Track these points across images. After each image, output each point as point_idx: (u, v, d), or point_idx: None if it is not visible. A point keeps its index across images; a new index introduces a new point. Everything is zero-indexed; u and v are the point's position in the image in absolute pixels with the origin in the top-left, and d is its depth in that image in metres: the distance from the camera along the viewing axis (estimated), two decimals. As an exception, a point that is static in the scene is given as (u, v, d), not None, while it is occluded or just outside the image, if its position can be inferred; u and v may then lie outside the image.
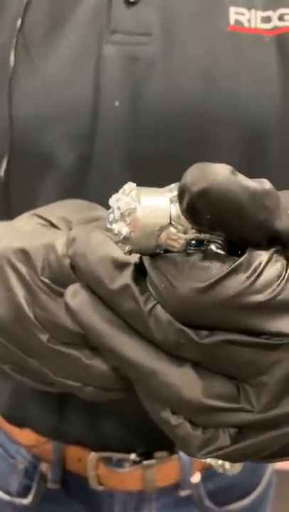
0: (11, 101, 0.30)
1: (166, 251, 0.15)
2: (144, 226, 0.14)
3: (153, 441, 0.37)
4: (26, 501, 0.41)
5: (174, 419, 0.16)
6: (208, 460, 0.22)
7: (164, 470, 0.38)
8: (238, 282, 0.14)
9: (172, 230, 0.14)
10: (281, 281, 0.14)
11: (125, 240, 0.15)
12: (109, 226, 0.15)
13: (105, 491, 0.39)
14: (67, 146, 0.31)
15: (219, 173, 0.13)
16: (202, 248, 0.14)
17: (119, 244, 0.15)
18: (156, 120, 0.30)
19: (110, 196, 0.17)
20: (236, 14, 0.30)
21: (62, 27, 0.30)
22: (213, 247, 0.14)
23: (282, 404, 0.15)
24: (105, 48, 0.30)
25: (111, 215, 0.15)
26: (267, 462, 0.16)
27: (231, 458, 0.16)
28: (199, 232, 0.15)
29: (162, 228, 0.14)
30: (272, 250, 0.14)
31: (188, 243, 0.15)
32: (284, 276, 0.14)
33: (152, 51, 0.30)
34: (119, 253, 0.16)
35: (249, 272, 0.14)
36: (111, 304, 0.16)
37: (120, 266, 0.16)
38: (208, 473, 0.40)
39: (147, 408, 0.17)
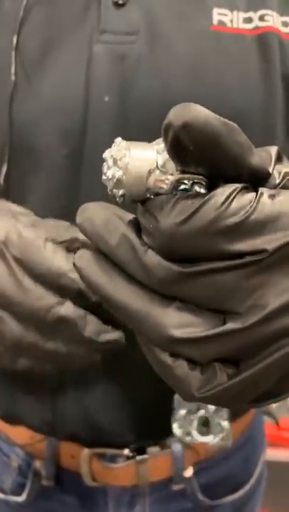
0: (11, 110, 0.32)
1: (156, 195, 0.17)
2: (134, 168, 0.16)
3: (146, 437, 0.37)
4: (21, 499, 0.41)
5: (171, 361, 0.16)
6: (204, 439, 0.22)
7: (156, 465, 0.39)
8: (213, 209, 0.15)
9: (159, 173, 0.16)
10: (252, 204, 0.15)
11: (118, 182, 0.17)
12: (103, 177, 0.17)
13: (99, 486, 0.39)
14: (60, 141, 0.32)
15: (199, 110, 0.15)
16: (186, 188, 0.16)
17: (114, 190, 0.17)
18: (144, 114, 0.31)
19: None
20: (219, 15, 0.32)
21: (56, 32, 0.32)
22: (196, 187, 0.16)
23: (273, 322, 0.15)
24: (95, 47, 0.31)
25: (105, 165, 0.17)
26: (261, 405, 0.16)
27: (229, 397, 0.16)
28: (183, 172, 0.16)
29: (150, 172, 0.16)
30: (243, 184, 0.16)
31: (174, 186, 0.16)
32: (255, 201, 0.15)
33: (139, 49, 0.31)
34: (121, 214, 0.18)
35: (223, 199, 0.15)
36: (112, 257, 0.17)
37: (120, 222, 0.17)
38: (201, 467, 0.40)
39: (147, 356, 0.18)
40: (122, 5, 0.32)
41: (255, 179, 0.16)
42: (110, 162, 0.17)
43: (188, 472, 0.40)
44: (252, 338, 0.16)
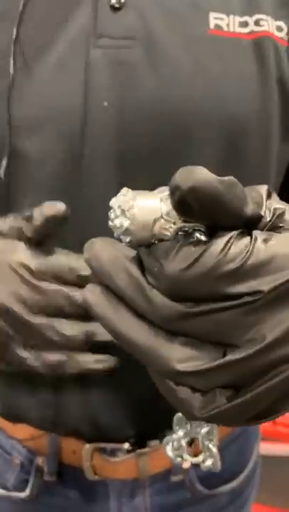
0: (10, 104, 0.31)
1: (160, 240, 0.18)
2: (141, 217, 0.18)
3: (146, 431, 0.39)
4: (24, 495, 0.42)
5: (174, 384, 0.18)
6: (194, 460, 0.23)
7: (156, 457, 0.40)
8: (213, 256, 0.17)
9: (163, 221, 0.18)
10: (248, 249, 0.17)
11: (126, 231, 0.18)
12: (111, 223, 0.18)
13: (100, 480, 0.40)
14: (59, 145, 0.32)
15: (203, 173, 0.16)
16: (188, 234, 0.18)
17: (121, 236, 0.18)
18: (143, 120, 0.31)
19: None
20: (216, 19, 0.32)
21: (53, 35, 0.32)
22: (197, 234, 0.18)
23: (269, 353, 0.17)
24: (93, 52, 0.31)
25: (112, 213, 0.19)
26: (259, 423, 0.18)
27: (228, 417, 0.18)
28: (186, 222, 0.18)
29: (155, 220, 0.18)
30: (239, 230, 0.17)
31: (177, 233, 0.18)
32: (250, 246, 0.17)
33: (136, 54, 0.31)
34: (125, 251, 0.19)
35: (222, 246, 0.17)
36: (119, 294, 0.18)
37: (126, 260, 0.19)
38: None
39: (156, 382, 0.19)
40: (119, 9, 0.31)
41: (250, 223, 0.18)
42: (118, 212, 0.18)
43: (187, 464, 0.41)
44: (249, 368, 0.17)
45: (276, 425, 0.98)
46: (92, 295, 0.19)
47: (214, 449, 0.23)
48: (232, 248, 0.17)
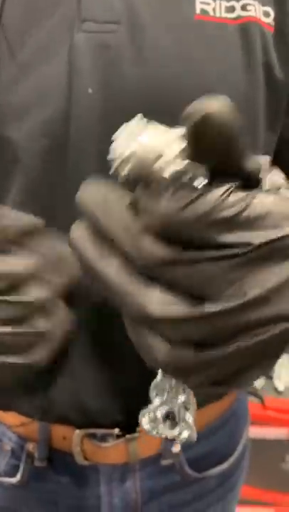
0: None
1: (157, 180, 0.18)
2: (144, 147, 0.18)
3: (135, 416, 0.39)
4: (15, 480, 0.43)
5: (146, 330, 0.18)
6: (170, 433, 0.23)
7: (146, 442, 0.40)
8: (211, 201, 0.17)
9: (166, 159, 0.18)
10: (245, 201, 0.17)
11: (127, 158, 0.18)
12: (111, 154, 0.18)
13: (91, 465, 0.41)
14: (45, 131, 0.32)
15: (221, 103, 0.16)
16: (187, 180, 0.18)
17: (121, 164, 0.18)
18: (126, 103, 0.31)
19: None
20: (202, 3, 0.31)
21: (36, 18, 0.31)
22: (196, 181, 0.18)
23: (247, 312, 0.17)
24: (77, 36, 0.31)
25: (116, 142, 0.19)
26: (224, 389, 0.18)
27: (192, 371, 0.18)
28: (188, 167, 0.18)
29: (158, 156, 0.18)
30: (237, 183, 0.17)
31: (177, 174, 0.18)
32: (247, 198, 0.17)
33: (121, 38, 0.31)
34: (118, 193, 0.19)
35: (221, 193, 0.17)
36: (107, 233, 0.18)
37: (119, 201, 0.19)
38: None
39: (127, 326, 0.19)
40: None
41: (248, 182, 0.18)
42: (123, 139, 0.18)
43: (176, 448, 0.42)
44: (224, 325, 0.17)
45: (266, 409, 1.00)
46: (77, 234, 0.19)
47: (190, 420, 0.23)
48: (230, 197, 0.17)
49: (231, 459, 0.46)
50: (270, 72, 0.33)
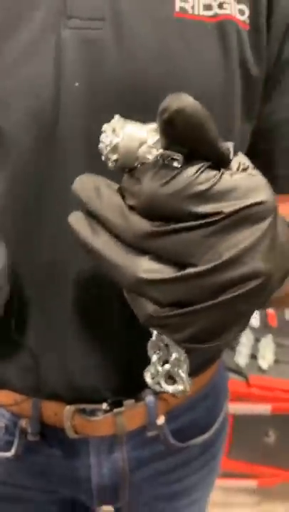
0: None
1: (142, 165, 0.21)
2: (129, 137, 0.21)
3: (122, 391, 0.41)
4: (9, 454, 0.45)
5: (138, 296, 0.21)
6: (171, 388, 0.26)
7: (132, 415, 0.43)
8: (186, 177, 0.20)
9: (147, 147, 0.21)
10: (216, 177, 0.20)
11: (115, 148, 0.21)
12: (101, 145, 0.22)
13: (81, 438, 0.43)
14: (33, 122, 0.33)
15: (190, 100, 0.19)
16: (166, 163, 0.21)
17: (109, 154, 0.21)
18: (112, 99, 0.32)
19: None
20: (181, 2, 0.32)
21: (24, 15, 0.32)
22: (174, 163, 0.20)
23: (222, 273, 0.20)
24: (63, 32, 0.32)
25: (103, 134, 0.22)
26: (204, 343, 0.22)
27: (174, 325, 0.21)
28: (166, 150, 0.20)
29: (140, 144, 0.21)
30: (210, 162, 0.20)
31: (157, 158, 0.21)
32: (218, 175, 0.20)
33: (105, 34, 0.32)
34: (108, 182, 0.22)
35: (194, 171, 0.20)
36: (99, 216, 0.22)
37: (108, 187, 0.22)
38: (171, 415, 0.45)
39: (126, 294, 0.23)
40: None
41: (219, 162, 0.21)
42: (109, 131, 0.22)
43: (161, 420, 0.45)
44: (204, 284, 0.20)
45: (250, 387, 1.04)
46: (74, 218, 0.22)
47: (184, 375, 0.26)
48: (203, 174, 0.20)
49: (212, 430, 0.49)
50: (245, 68, 0.34)
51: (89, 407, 0.42)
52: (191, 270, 0.20)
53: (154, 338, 0.26)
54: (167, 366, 0.26)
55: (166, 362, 0.27)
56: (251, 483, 1.17)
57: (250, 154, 0.36)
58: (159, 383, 0.27)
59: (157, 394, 0.43)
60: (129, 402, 0.42)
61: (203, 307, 0.20)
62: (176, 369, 0.26)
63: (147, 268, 0.20)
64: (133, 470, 0.46)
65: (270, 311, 1.22)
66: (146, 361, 0.27)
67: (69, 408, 0.42)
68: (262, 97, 0.36)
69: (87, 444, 0.44)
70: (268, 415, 1.05)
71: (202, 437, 0.48)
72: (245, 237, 0.20)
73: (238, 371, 1.05)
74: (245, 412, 1.05)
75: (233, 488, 1.21)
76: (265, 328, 1.17)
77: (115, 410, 0.42)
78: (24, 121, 0.33)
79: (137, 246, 0.21)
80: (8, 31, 0.32)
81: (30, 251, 0.36)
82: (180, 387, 0.26)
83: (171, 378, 0.27)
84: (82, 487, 0.46)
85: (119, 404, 0.42)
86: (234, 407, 1.03)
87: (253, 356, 1.09)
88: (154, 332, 0.26)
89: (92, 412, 0.42)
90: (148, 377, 0.27)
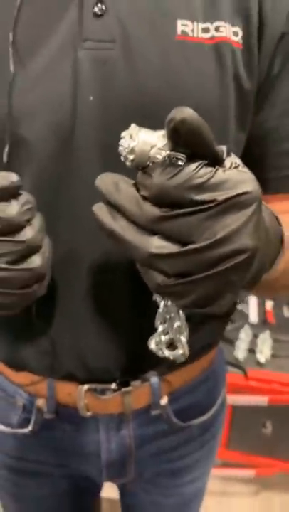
0: (10, 98, 0.36)
1: (153, 164, 0.27)
2: (143, 142, 0.26)
3: (129, 373, 0.46)
4: (27, 430, 0.49)
5: (149, 268, 0.27)
6: (172, 353, 0.31)
7: (138, 395, 0.47)
8: (188, 172, 0.25)
9: (158, 149, 0.26)
10: (212, 172, 0.25)
11: (132, 150, 0.27)
12: (120, 148, 0.27)
13: (92, 415, 0.47)
14: (52, 134, 0.37)
15: (190, 111, 0.24)
16: (172, 162, 0.26)
17: (127, 155, 0.27)
18: (122, 111, 0.36)
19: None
20: (182, 26, 0.36)
21: (44, 37, 0.36)
22: (179, 161, 0.25)
23: (217, 248, 0.25)
24: (79, 53, 0.36)
25: (122, 140, 0.27)
26: (203, 307, 0.27)
27: (179, 292, 0.26)
28: (172, 151, 0.26)
29: (152, 147, 0.26)
30: (206, 161, 0.25)
31: (165, 158, 0.26)
32: (214, 171, 0.25)
33: (116, 55, 0.36)
34: (125, 179, 0.28)
35: (194, 167, 0.25)
36: (118, 206, 0.27)
37: (125, 182, 0.28)
38: (174, 396, 0.49)
39: (140, 270, 0.28)
40: (101, 15, 0.36)
41: (215, 160, 0.26)
42: (127, 137, 0.27)
43: (164, 400, 0.48)
44: (203, 258, 0.25)
45: (248, 380, 1.08)
46: (97, 208, 0.28)
47: (184, 339, 0.31)
48: (201, 170, 0.25)
49: (211, 412, 0.54)
50: (239, 83, 0.38)
51: (100, 386, 0.46)
52: (191, 246, 0.25)
53: (160, 310, 0.31)
54: (169, 336, 0.31)
55: (167, 334, 0.31)
56: (249, 473, 1.21)
57: (245, 158, 0.40)
58: (161, 349, 0.32)
59: (161, 376, 0.47)
60: (135, 383, 0.46)
61: (201, 277, 0.25)
62: (178, 335, 0.31)
63: (157, 245, 0.26)
64: (138, 447, 0.50)
65: (269, 308, 1.26)
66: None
67: (81, 388, 0.46)
68: (254, 108, 0.40)
69: (97, 422, 0.48)
70: (265, 406, 1.09)
71: (201, 418, 0.52)
72: (234, 220, 0.25)
73: (237, 365, 1.09)
74: (243, 404, 1.09)
75: (230, 478, 1.25)
76: (263, 324, 1.21)
77: (123, 390, 0.46)
78: (45, 132, 0.36)
79: (149, 228, 0.26)
80: (33, 48, 0.36)
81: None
82: (180, 351, 0.31)
83: (171, 346, 0.32)
84: (93, 462, 0.50)
85: (127, 385, 0.46)
86: (233, 399, 1.07)
87: (252, 351, 1.12)
88: (161, 305, 0.31)
89: (103, 392, 0.46)
90: (152, 344, 0.32)
